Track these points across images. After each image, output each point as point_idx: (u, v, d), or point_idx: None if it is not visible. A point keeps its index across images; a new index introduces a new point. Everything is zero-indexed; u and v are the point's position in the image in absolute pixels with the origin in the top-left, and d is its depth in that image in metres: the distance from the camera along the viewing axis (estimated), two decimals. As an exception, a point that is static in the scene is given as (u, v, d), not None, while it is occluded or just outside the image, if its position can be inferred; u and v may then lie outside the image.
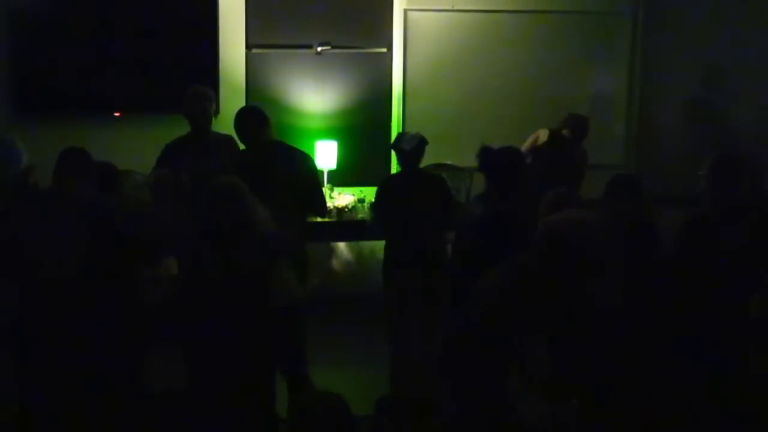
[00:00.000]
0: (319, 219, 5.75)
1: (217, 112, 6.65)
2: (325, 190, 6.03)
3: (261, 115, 5.00)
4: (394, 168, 6.94)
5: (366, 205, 6.52)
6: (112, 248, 3.93)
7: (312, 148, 6.56)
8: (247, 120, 4.99)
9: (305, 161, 4.97)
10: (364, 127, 6.95)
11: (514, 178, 4.06)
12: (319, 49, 6.84)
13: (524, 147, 6.00)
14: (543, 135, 6.24)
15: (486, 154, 4.08)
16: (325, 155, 6.58)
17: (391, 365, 4.91)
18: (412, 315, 4.94)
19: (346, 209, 6.27)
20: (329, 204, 5.93)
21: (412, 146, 4.92)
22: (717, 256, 3.91)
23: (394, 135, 7.01)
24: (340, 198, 6.39)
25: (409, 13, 7.00)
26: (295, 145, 5.23)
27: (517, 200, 4.14)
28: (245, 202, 3.94)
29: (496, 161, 4.04)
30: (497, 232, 3.95)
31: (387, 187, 5.08)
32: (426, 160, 6.61)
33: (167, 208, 4.70)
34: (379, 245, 6.34)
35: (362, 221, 6.24)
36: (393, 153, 5.48)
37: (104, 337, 3.91)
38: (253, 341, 3.96)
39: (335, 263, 7.08)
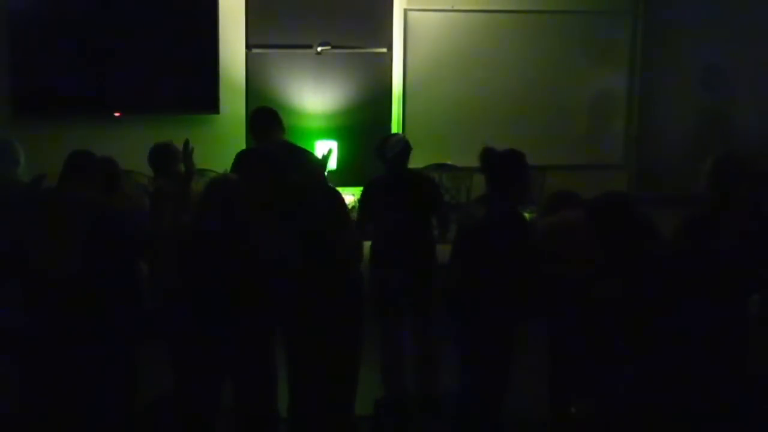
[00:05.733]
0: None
1: (217, 111, 6.70)
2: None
3: (270, 115, 5.15)
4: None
5: (366, 205, 6.51)
6: (117, 248, 3.94)
7: (312, 148, 6.55)
8: (257, 119, 5.17)
9: (311, 161, 5.00)
10: (364, 127, 6.95)
11: (516, 180, 4.06)
12: (319, 49, 6.84)
13: None
14: None
15: (489, 155, 4.07)
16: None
17: (383, 365, 4.92)
18: (399, 316, 4.93)
19: (346, 209, 6.25)
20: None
21: (394, 152, 4.86)
22: (716, 255, 3.91)
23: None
24: (340, 198, 6.38)
25: (409, 13, 7.00)
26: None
27: (517, 202, 4.13)
28: (241, 197, 3.95)
29: (499, 163, 4.03)
30: (499, 234, 3.96)
31: (372, 188, 5.04)
32: (426, 160, 6.66)
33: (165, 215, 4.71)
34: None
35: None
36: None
37: (105, 336, 3.92)
38: (254, 339, 3.97)
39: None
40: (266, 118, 5.14)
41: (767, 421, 4.03)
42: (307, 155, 5.16)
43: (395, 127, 7.03)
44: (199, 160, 5.29)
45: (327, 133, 6.81)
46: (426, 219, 4.92)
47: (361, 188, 6.56)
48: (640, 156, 7.48)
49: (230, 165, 5.24)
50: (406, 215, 4.81)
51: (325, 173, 5.33)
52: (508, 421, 4.28)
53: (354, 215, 6.09)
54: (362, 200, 5.04)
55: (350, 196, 6.47)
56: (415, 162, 5.26)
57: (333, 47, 6.86)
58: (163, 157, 4.83)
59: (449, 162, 6.79)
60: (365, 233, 4.95)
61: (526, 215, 4.59)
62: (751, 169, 4.12)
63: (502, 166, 4.03)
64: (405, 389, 4.93)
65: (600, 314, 3.93)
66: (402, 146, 4.89)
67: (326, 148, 5.72)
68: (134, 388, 4.17)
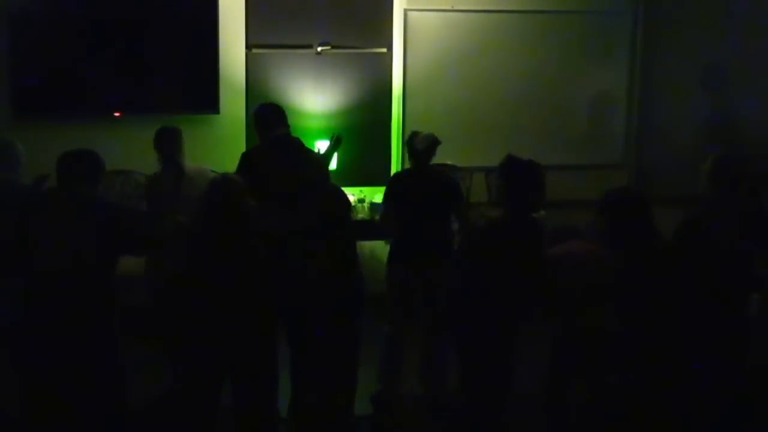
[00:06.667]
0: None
1: (217, 111, 6.70)
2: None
3: (276, 111, 5.21)
4: (395, 168, 6.95)
5: (366, 205, 6.51)
6: (117, 247, 3.94)
7: (312, 148, 6.56)
8: (262, 115, 5.22)
9: (314, 160, 5.02)
10: (364, 127, 6.95)
11: (536, 188, 4.10)
12: (319, 49, 6.84)
13: None
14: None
15: (512, 163, 4.11)
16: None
17: (386, 360, 4.93)
18: (408, 315, 4.95)
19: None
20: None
21: (424, 147, 4.95)
22: (714, 255, 3.92)
23: (394, 135, 7.04)
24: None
25: (409, 13, 7.00)
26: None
27: (533, 210, 4.17)
28: (242, 196, 3.96)
29: (523, 173, 4.07)
30: (519, 238, 3.99)
31: (397, 182, 5.11)
32: (426, 160, 6.65)
33: (159, 208, 4.74)
34: (379, 245, 6.35)
35: (362, 221, 6.23)
36: (404, 150, 5.42)
37: (106, 334, 3.92)
38: (254, 339, 3.97)
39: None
40: (272, 114, 5.19)
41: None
42: (311, 153, 5.18)
43: (395, 127, 7.04)
44: (199, 160, 5.33)
45: (327, 133, 6.81)
46: (447, 215, 4.97)
47: (360, 188, 6.62)
48: (640, 156, 7.49)
49: (229, 165, 5.27)
50: (430, 210, 4.86)
51: (329, 167, 5.36)
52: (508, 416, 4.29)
53: (353, 215, 6.11)
54: (387, 194, 5.06)
55: (350, 195, 6.48)
56: (415, 162, 5.26)
57: (333, 47, 6.86)
58: (164, 140, 4.91)
59: (449, 162, 6.79)
60: (390, 228, 4.99)
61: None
62: (750, 170, 4.12)
63: (526, 176, 4.07)
64: (398, 387, 4.95)
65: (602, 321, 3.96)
66: (431, 141, 4.97)
67: (333, 139, 5.75)
68: (123, 386, 4.14)
